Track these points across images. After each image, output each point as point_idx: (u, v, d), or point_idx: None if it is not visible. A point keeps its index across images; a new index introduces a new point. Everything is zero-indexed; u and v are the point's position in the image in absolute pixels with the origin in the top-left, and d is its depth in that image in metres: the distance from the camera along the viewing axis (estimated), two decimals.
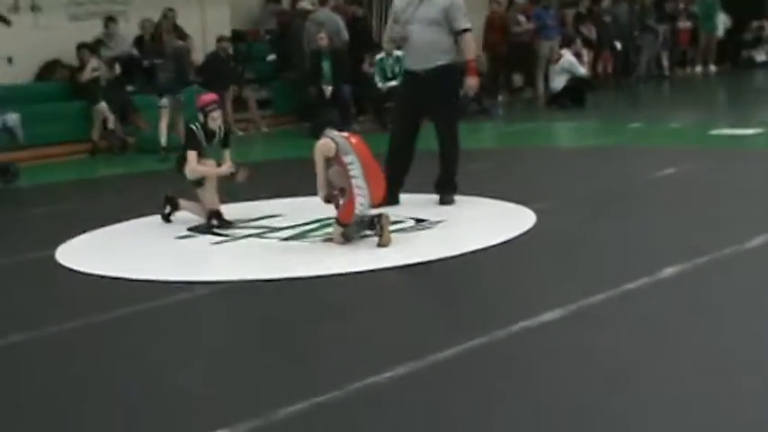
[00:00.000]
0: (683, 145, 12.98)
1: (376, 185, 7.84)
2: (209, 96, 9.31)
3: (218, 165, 9.08)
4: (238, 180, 9.06)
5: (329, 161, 7.88)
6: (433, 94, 9.15)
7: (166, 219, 9.22)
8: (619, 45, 23.33)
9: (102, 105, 15.48)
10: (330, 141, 7.82)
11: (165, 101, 15.02)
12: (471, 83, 9.32)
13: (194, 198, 9.11)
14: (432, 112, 9.32)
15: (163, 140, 14.58)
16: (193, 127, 9.05)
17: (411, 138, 9.37)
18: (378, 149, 8.47)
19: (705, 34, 25.83)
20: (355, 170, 7.75)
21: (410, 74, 9.38)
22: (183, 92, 15.09)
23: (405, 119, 9.47)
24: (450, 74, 9.18)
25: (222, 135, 9.15)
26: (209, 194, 8.94)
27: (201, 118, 9.02)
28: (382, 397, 4.64)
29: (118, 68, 16.46)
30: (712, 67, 26.03)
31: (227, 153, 9.20)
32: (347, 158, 7.77)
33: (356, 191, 7.73)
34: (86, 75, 15.57)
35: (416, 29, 9.17)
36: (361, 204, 7.75)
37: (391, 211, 8.69)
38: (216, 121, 9.04)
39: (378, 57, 17.09)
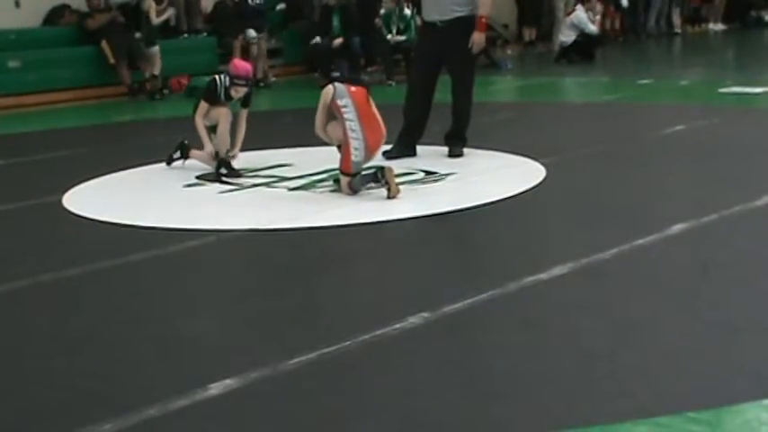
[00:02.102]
0: (692, 102, 12.94)
1: (371, 132, 7.80)
2: (243, 69, 8.96)
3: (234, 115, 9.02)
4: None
5: (331, 113, 7.94)
6: (450, 46, 9.07)
7: (169, 162, 9.22)
8: (625, 2, 23.10)
9: (156, 48, 15.50)
10: (330, 86, 7.91)
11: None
12: (477, 39, 9.08)
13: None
14: (448, 63, 9.25)
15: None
16: (218, 79, 8.97)
17: (428, 89, 9.32)
18: (387, 100, 8.43)
19: None
20: (349, 113, 7.77)
21: (427, 24, 9.30)
22: (246, 31, 16.71)
23: (422, 70, 9.42)
24: (469, 26, 9.03)
25: (244, 96, 9.00)
26: (221, 141, 8.87)
27: (227, 81, 8.90)
28: (392, 349, 4.63)
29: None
30: (719, 25, 25.88)
31: (244, 112, 9.11)
32: (341, 102, 7.80)
33: (350, 134, 7.74)
34: (158, 17, 15.72)
35: None
36: (356, 149, 7.74)
37: (402, 163, 8.71)
38: (238, 93, 8.88)
39: (382, 12, 16.96)
